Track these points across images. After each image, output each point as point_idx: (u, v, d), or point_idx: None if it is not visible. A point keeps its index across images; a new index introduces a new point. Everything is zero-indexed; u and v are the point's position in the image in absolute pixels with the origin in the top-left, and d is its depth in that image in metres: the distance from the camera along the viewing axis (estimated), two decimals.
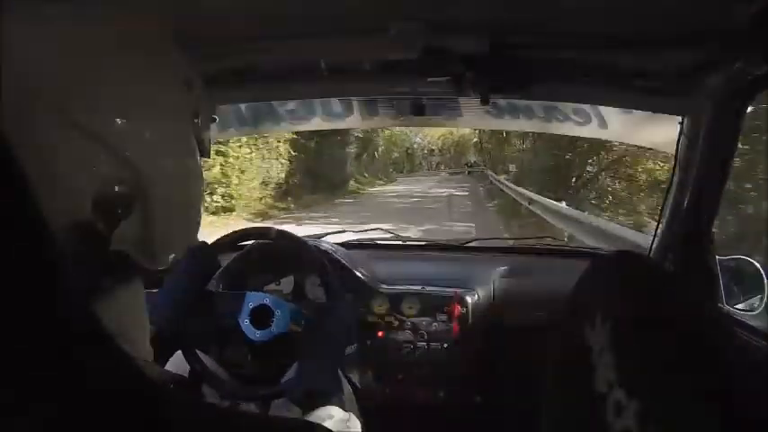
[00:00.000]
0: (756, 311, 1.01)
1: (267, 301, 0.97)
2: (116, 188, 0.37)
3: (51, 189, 0.34)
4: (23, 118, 0.32)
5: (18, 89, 0.32)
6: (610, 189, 8.71)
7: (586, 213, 5.86)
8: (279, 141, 10.90)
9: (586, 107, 1.44)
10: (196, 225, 0.49)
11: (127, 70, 0.38)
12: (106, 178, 0.37)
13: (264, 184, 10.49)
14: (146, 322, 0.47)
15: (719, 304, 1.01)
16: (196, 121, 0.47)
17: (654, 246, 1.14)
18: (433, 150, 37.51)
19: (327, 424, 0.68)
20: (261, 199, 10.15)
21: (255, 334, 0.95)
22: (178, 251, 0.47)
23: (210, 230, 1.70)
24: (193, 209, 0.47)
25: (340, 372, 0.89)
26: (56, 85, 0.34)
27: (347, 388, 0.89)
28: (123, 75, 0.38)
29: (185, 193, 0.45)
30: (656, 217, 1.28)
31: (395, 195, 14.67)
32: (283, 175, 11.37)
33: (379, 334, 1.17)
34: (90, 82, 0.36)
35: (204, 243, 0.96)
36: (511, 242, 1.68)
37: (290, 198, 11.25)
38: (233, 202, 8.94)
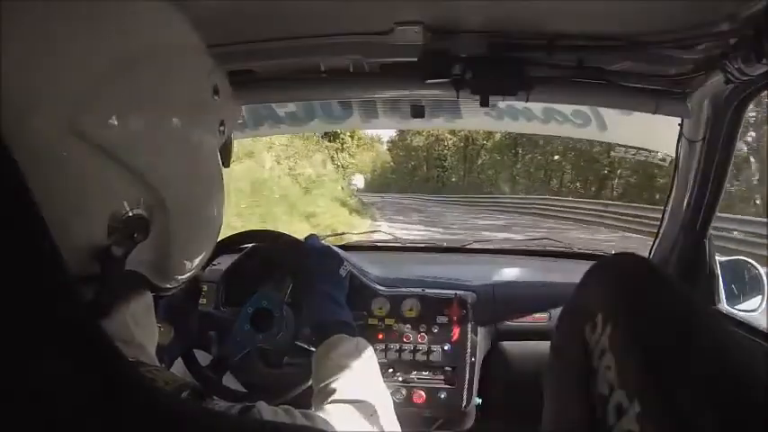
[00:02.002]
0: (756, 312, 1.01)
1: (266, 303, 0.97)
2: (133, 209, 0.36)
3: (71, 204, 0.33)
4: (43, 130, 0.31)
5: (38, 99, 0.31)
6: None
7: None
8: None
9: (586, 109, 1.44)
10: (215, 238, 0.47)
11: (155, 78, 0.36)
12: (126, 196, 0.35)
13: None
14: (156, 330, 0.46)
15: (719, 305, 1.01)
16: (222, 128, 0.45)
17: (654, 247, 1.14)
18: (412, 168, 25.02)
19: (335, 352, 0.67)
20: None
21: (258, 337, 0.95)
22: (196, 268, 0.45)
23: None
24: (214, 221, 0.45)
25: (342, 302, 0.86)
26: (77, 95, 0.32)
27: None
28: (150, 83, 0.36)
29: (206, 206, 0.43)
30: None
31: None
32: None
33: (379, 336, 1.17)
34: (117, 94, 0.34)
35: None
36: (511, 244, 1.68)
37: None
38: None
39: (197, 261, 0.45)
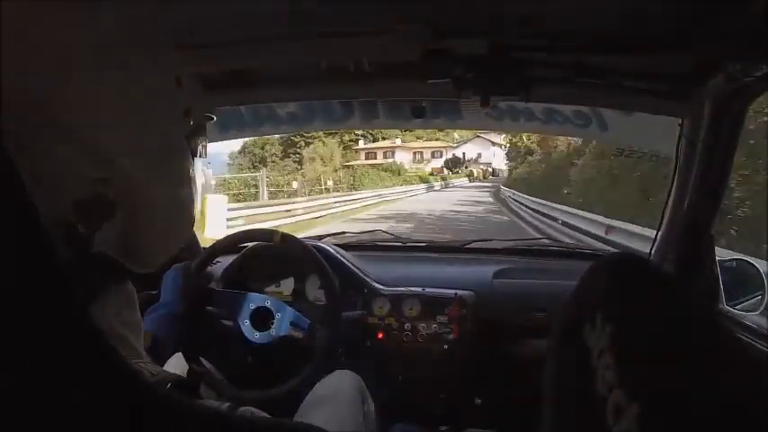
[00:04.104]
0: (756, 312, 1.01)
1: (268, 303, 0.97)
2: (98, 190, 0.36)
3: (34, 188, 0.33)
4: (6, 119, 0.31)
5: (6, 85, 0.31)
6: None
7: None
8: None
9: (586, 109, 1.44)
10: (188, 227, 0.47)
11: (110, 68, 0.36)
12: (88, 179, 0.35)
13: None
14: (140, 322, 0.46)
15: (720, 305, 1.01)
16: (187, 119, 0.45)
17: (654, 246, 1.14)
18: None
19: None
20: None
21: (255, 335, 0.96)
22: (167, 254, 0.45)
23: None
24: (184, 211, 0.46)
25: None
26: (37, 84, 0.32)
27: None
28: (106, 72, 0.36)
29: (174, 194, 0.44)
30: None
31: None
32: None
33: (380, 335, 1.17)
34: (71, 81, 0.34)
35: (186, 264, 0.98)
36: (511, 243, 1.67)
37: None
38: None
39: (168, 242, 0.45)
